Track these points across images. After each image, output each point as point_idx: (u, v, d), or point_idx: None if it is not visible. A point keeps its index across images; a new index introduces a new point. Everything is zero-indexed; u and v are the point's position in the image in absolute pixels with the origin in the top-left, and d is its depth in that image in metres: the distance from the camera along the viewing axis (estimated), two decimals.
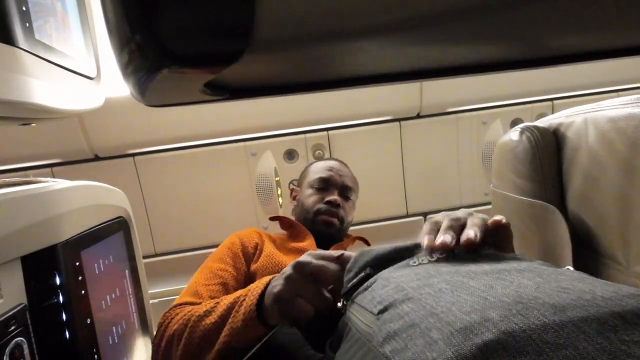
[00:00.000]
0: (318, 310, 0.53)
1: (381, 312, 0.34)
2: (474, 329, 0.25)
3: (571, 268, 0.38)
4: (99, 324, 0.55)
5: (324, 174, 1.02)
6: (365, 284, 0.41)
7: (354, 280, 0.44)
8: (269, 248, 0.87)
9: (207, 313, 0.62)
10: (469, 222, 0.44)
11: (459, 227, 0.44)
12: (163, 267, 1.32)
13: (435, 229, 0.45)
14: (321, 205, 0.98)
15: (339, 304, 0.45)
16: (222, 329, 0.59)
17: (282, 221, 1.02)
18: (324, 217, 0.97)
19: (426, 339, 0.27)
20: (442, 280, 0.34)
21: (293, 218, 1.06)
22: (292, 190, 1.14)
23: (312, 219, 0.98)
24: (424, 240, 0.43)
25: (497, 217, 0.45)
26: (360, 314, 0.38)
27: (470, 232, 0.41)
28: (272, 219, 1.05)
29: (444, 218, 0.46)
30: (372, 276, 0.43)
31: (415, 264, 0.41)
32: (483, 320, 0.26)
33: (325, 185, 1.01)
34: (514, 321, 0.25)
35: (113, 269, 0.64)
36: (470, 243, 0.41)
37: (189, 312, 0.65)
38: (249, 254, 0.86)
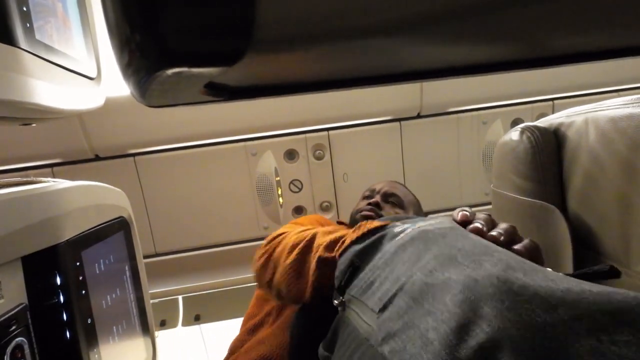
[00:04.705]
0: None
1: (381, 310, 0.34)
2: (467, 328, 0.26)
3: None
4: (99, 324, 0.55)
5: (373, 186, 1.13)
6: (362, 279, 0.41)
7: (346, 274, 0.44)
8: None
9: (330, 232, 0.64)
10: (500, 225, 0.45)
11: (490, 223, 0.45)
12: (163, 267, 1.32)
13: (468, 212, 0.47)
14: (362, 206, 1.08)
15: (335, 301, 0.44)
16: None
17: (342, 224, 1.15)
18: (363, 214, 1.07)
19: (423, 340, 0.27)
20: (432, 258, 0.35)
21: None
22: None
23: (354, 217, 1.09)
24: (459, 214, 0.46)
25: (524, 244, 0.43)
26: (361, 311, 0.38)
27: (495, 234, 0.42)
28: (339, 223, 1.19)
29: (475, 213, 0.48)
30: (359, 267, 0.43)
31: (401, 232, 0.42)
32: (476, 318, 0.26)
33: (371, 193, 1.12)
34: (508, 317, 0.25)
35: (113, 268, 0.64)
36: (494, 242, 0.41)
37: (311, 232, 0.67)
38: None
